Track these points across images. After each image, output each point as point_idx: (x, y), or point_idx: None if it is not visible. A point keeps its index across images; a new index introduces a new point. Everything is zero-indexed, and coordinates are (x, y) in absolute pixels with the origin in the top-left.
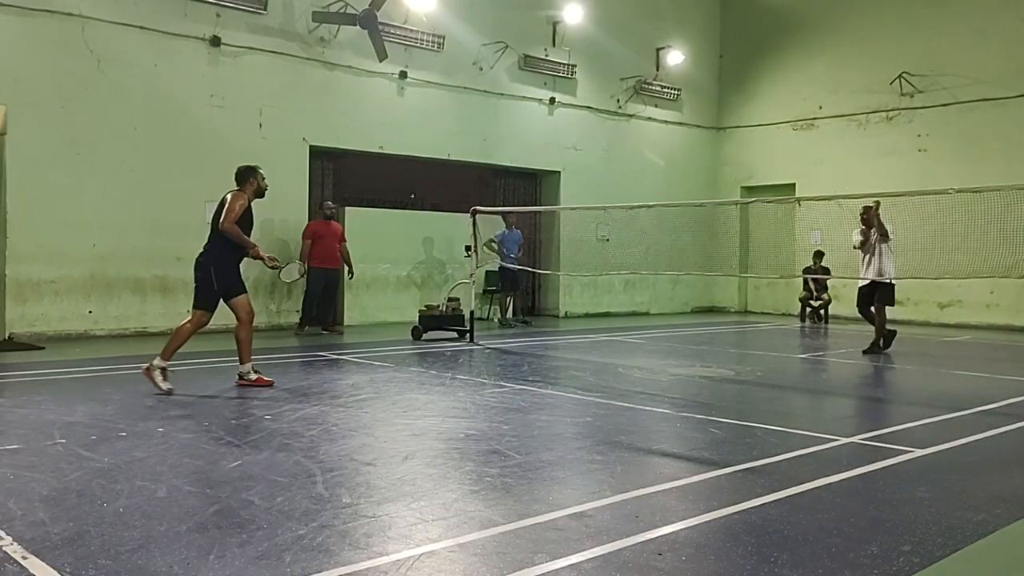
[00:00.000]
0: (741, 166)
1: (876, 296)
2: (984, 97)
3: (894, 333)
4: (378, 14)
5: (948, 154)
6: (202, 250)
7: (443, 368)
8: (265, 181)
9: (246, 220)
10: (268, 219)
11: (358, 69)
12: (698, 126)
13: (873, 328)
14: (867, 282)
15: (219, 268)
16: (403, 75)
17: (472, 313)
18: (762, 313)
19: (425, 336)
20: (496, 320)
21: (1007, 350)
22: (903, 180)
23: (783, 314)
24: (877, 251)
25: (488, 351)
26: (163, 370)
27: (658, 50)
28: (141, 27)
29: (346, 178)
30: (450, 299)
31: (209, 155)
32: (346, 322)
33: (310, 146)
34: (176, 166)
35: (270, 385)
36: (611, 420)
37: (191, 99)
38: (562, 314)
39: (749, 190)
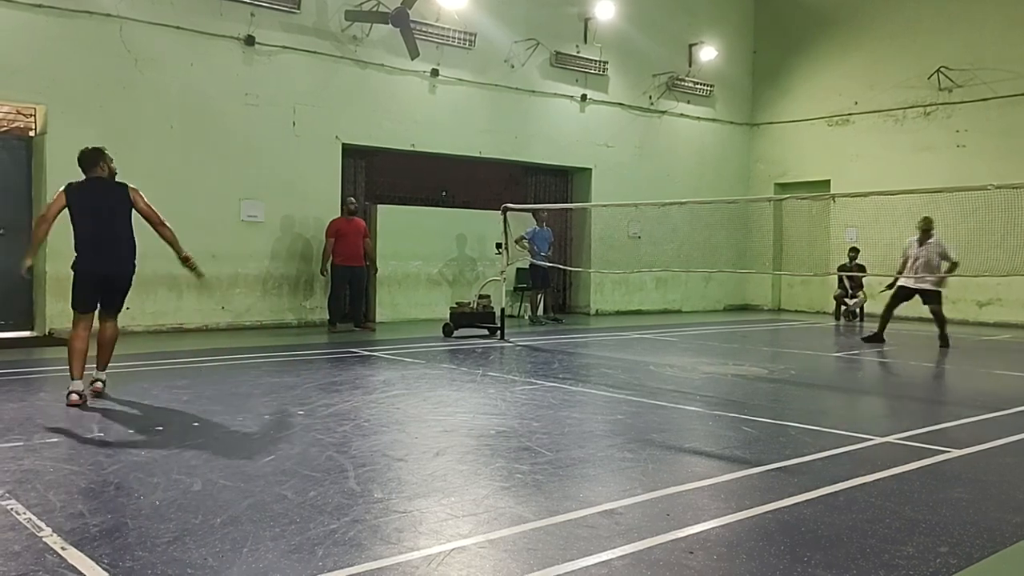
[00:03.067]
0: (775, 162)
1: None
2: (1021, 92)
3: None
4: (410, 12)
5: (987, 150)
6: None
7: (474, 365)
8: (114, 164)
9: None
10: (300, 217)
11: (390, 67)
12: (731, 122)
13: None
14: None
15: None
16: (435, 73)
17: (503, 310)
18: (796, 311)
19: (456, 333)
20: (527, 317)
21: None
22: (940, 176)
23: (817, 312)
24: (922, 264)
25: (519, 348)
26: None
27: (691, 46)
28: (177, 27)
29: (378, 176)
30: (481, 296)
31: (243, 154)
32: (378, 319)
33: (343, 144)
34: (211, 164)
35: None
36: (642, 418)
37: (226, 98)
38: (593, 312)
39: (783, 187)
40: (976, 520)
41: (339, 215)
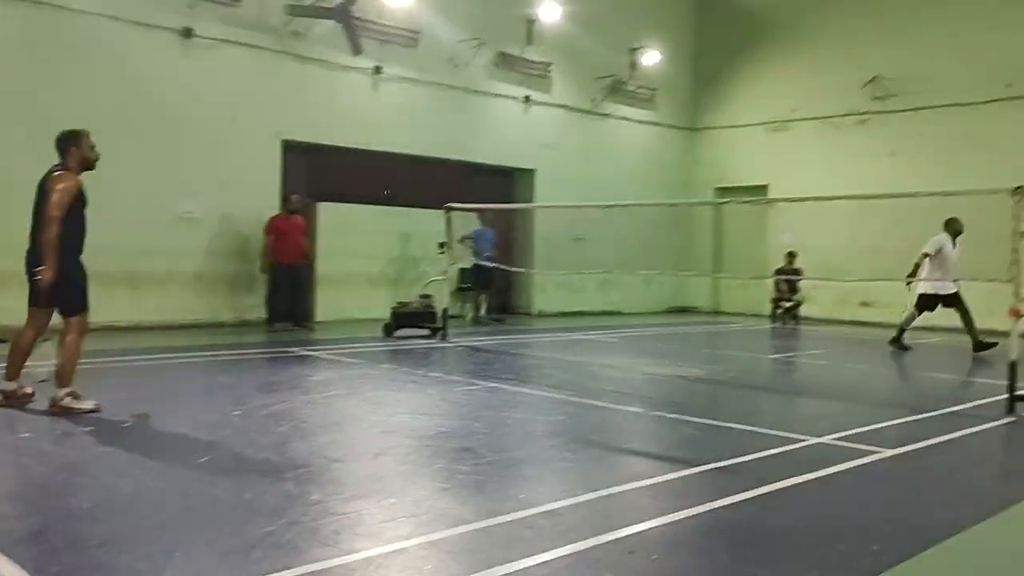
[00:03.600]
0: (715, 167)
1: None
2: (954, 102)
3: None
4: (352, 8)
5: (919, 158)
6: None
7: (415, 365)
8: (95, 150)
9: (81, 204)
10: (239, 214)
11: (332, 63)
12: (673, 126)
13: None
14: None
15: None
16: (378, 70)
17: (445, 310)
18: (734, 314)
19: (397, 333)
20: (470, 318)
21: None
22: (875, 183)
23: (755, 315)
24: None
25: (461, 349)
26: (69, 394)
27: (633, 50)
28: (112, 17)
29: (320, 173)
30: (423, 296)
31: (180, 149)
32: (318, 318)
33: (284, 140)
34: (146, 159)
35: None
36: (583, 419)
37: (163, 91)
38: (535, 312)
39: (723, 191)
40: (906, 518)
41: (278, 212)
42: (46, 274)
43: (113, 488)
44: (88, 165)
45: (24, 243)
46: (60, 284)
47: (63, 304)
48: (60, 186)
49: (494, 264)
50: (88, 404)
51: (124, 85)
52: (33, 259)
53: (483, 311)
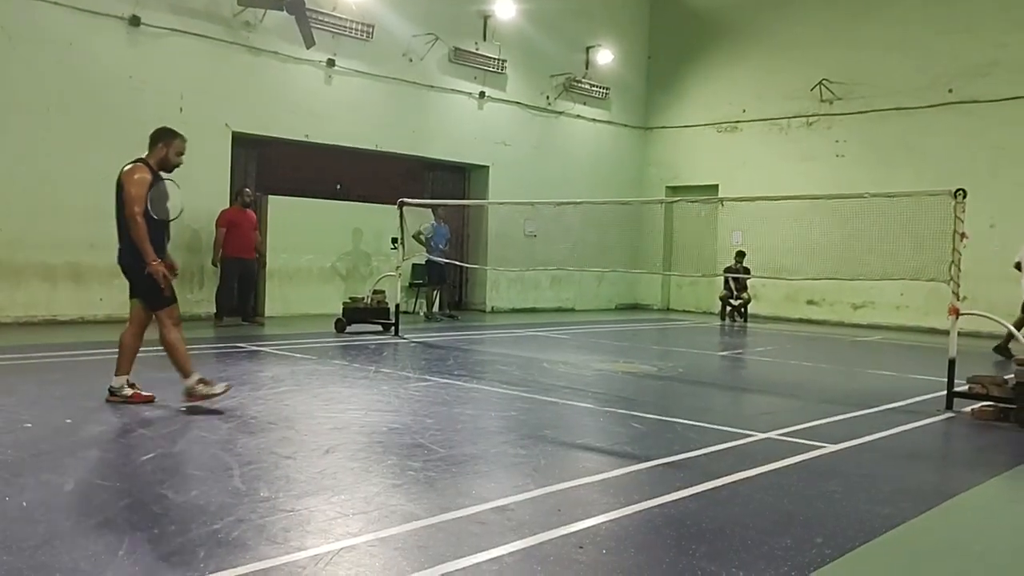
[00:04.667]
0: (667, 166)
1: None
2: (898, 106)
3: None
4: (306, 0)
5: (864, 160)
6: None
7: (367, 361)
8: (181, 158)
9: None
10: (187, 207)
11: (284, 55)
12: (625, 125)
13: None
14: None
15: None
16: (331, 63)
17: (398, 306)
18: (684, 311)
19: (349, 329)
20: (422, 314)
21: (915, 350)
22: (821, 184)
23: (704, 312)
24: None
25: (413, 345)
26: (199, 381)
27: (588, 48)
28: (55, 2)
29: (270, 166)
30: (375, 292)
31: (126, 139)
32: (267, 313)
33: (233, 132)
34: (91, 149)
35: (150, 401)
36: (535, 414)
37: (109, 80)
38: (488, 309)
39: (674, 190)
40: (848, 512)
41: (229, 205)
42: (155, 268)
43: (53, 486)
44: (166, 167)
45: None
46: (144, 279)
47: (148, 298)
48: (135, 177)
49: (447, 260)
50: (219, 388)
51: (69, 73)
52: (125, 256)
53: (436, 307)
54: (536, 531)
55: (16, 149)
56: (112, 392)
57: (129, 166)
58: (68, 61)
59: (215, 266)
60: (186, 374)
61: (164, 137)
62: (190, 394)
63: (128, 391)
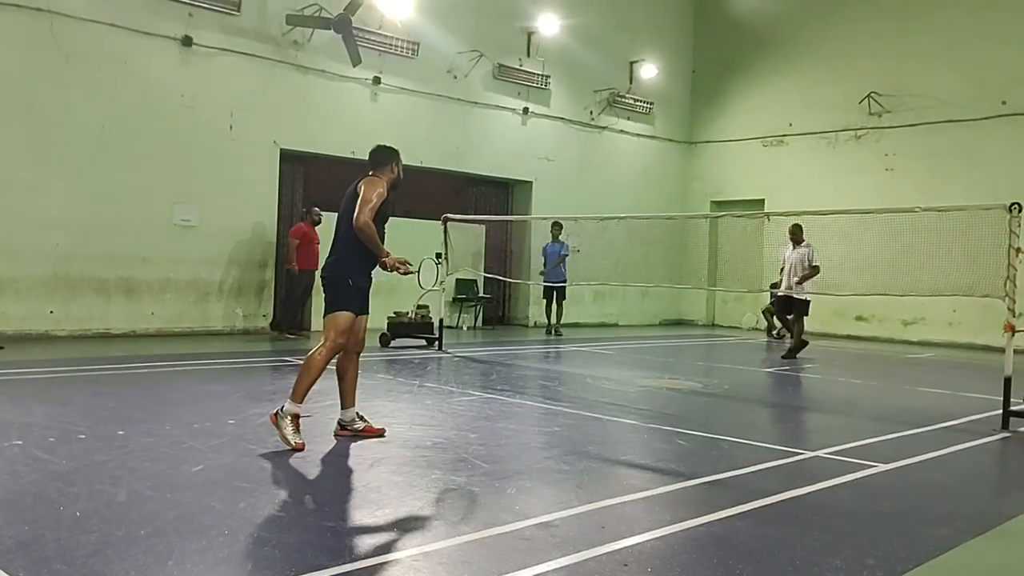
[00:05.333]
0: (711, 180)
1: (793, 309)
2: (949, 118)
3: (806, 343)
4: (353, 19)
5: (914, 173)
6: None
7: (411, 375)
8: (402, 172)
9: (381, 218)
10: (236, 222)
11: (331, 73)
12: (670, 140)
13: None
14: (780, 296)
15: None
16: (377, 81)
17: (441, 321)
18: (729, 327)
19: (393, 343)
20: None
21: (969, 368)
22: (870, 198)
23: (750, 328)
24: (790, 268)
25: (456, 359)
26: (295, 418)
27: (632, 63)
28: (111, 24)
29: (317, 182)
30: (419, 307)
31: (178, 156)
32: (313, 327)
33: (281, 149)
34: (144, 166)
35: (381, 435)
36: (579, 430)
37: (161, 99)
38: (531, 324)
39: (719, 204)
40: (901, 533)
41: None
42: (391, 261)
43: (106, 496)
44: (396, 184)
45: None
46: (334, 282)
47: (331, 300)
48: (379, 191)
49: (490, 275)
50: (296, 440)
51: (123, 92)
52: (338, 267)
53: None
54: (580, 548)
55: (72, 166)
56: (343, 426)
57: (370, 177)
58: (122, 80)
59: (292, 272)
60: (296, 399)
61: (393, 157)
62: (276, 419)
63: (359, 424)
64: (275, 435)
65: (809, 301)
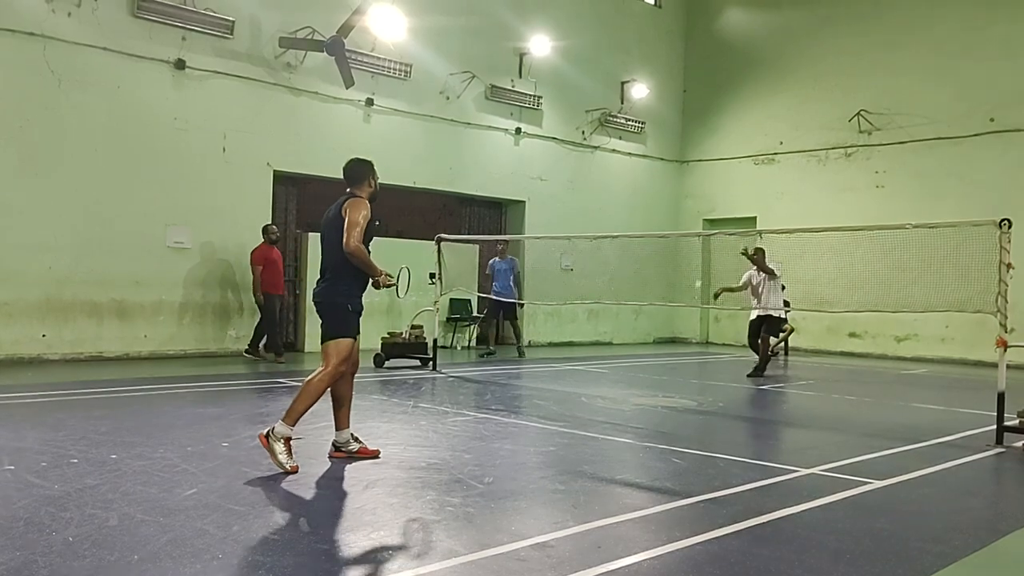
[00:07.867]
0: (703, 199)
1: (764, 327)
2: (938, 136)
3: (770, 358)
4: (345, 41)
5: (904, 190)
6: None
7: (405, 396)
8: (378, 185)
9: (367, 238)
10: (229, 244)
11: (324, 95)
12: (661, 159)
13: (757, 356)
14: (755, 317)
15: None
16: (369, 102)
17: (435, 341)
18: (723, 344)
19: (387, 364)
20: (482, 350)
21: (962, 383)
22: (861, 215)
23: (743, 345)
24: (765, 289)
25: (451, 379)
26: (286, 440)
27: (623, 83)
28: (104, 48)
29: (310, 204)
30: (413, 327)
31: (171, 179)
32: (306, 348)
33: (274, 171)
34: (137, 189)
35: (375, 456)
36: (574, 449)
37: (154, 122)
38: (526, 343)
39: (711, 222)
40: (898, 550)
41: (262, 242)
42: (381, 279)
43: (98, 521)
44: (373, 198)
45: None
46: (331, 308)
47: (329, 326)
48: (364, 212)
49: (485, 295)
50: (289, 464)
51: (116, 115)
52: (332, 292)
53: (493, 342)
54: (576, 568)
55: (65, 189)
56: (337, 447)
57: (354, 199)
58: (115, 103)
59: (257, 304)
60: (289, 421)
61: (369, 171)
62: (268, 441)
63: (354, 445)
64: (268, 458)
65: (784, 319)
